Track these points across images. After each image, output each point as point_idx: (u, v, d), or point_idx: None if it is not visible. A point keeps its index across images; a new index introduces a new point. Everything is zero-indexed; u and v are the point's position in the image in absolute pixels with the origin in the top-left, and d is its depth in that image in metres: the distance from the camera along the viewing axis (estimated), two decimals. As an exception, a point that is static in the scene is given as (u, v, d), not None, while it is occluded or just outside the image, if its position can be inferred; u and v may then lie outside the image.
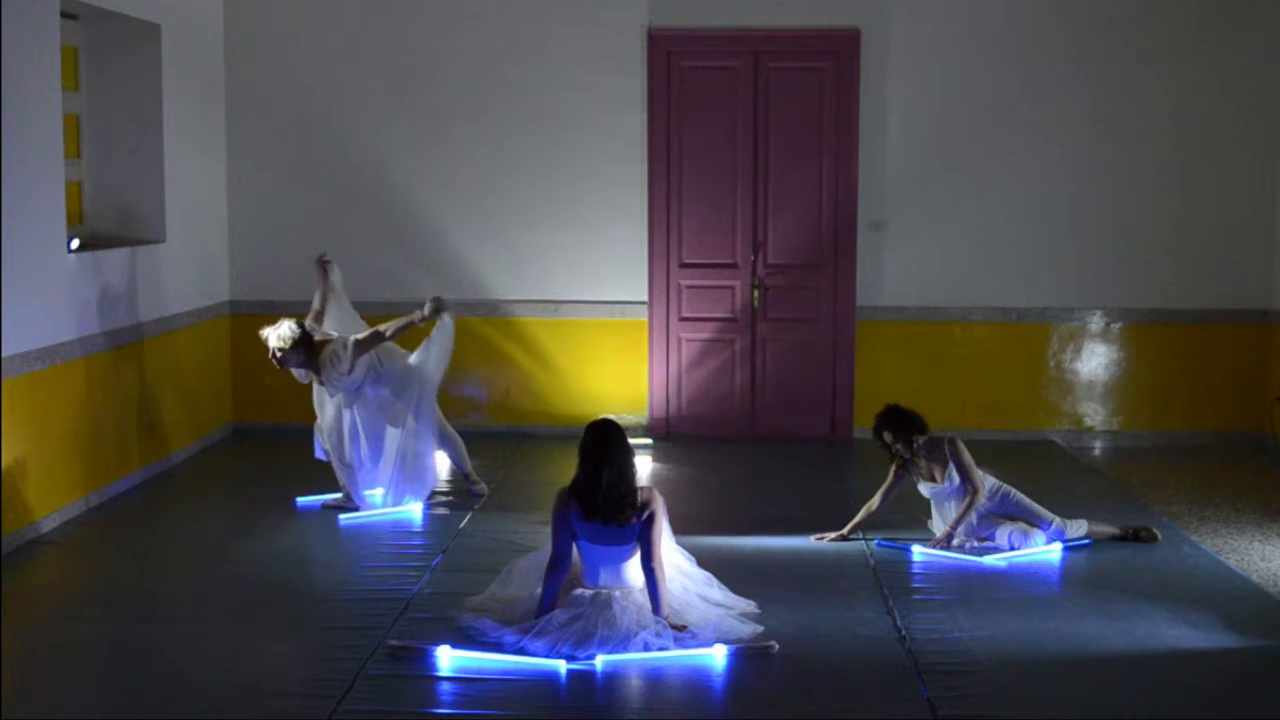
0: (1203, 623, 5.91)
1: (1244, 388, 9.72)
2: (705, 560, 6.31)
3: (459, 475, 8.20)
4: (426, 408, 7.72)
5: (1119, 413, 9.83)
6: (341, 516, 7.54)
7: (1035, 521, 7.02)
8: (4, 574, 6.51)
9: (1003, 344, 9.81)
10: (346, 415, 7.62)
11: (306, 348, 7.46)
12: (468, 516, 7.62)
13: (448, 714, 5.00)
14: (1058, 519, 7.04)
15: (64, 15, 7.81)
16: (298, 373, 7.69)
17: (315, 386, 7.73)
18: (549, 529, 5.82)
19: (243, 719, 4.97)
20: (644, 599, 5.70)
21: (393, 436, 7.71)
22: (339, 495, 7.75)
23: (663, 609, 5.65)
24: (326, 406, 7.70)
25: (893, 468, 7.17)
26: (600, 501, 5.63)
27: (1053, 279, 9.75)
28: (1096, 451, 9.63)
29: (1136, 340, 9.79)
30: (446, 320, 7.77)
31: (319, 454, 7.86)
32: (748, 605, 6.02)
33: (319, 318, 7.75)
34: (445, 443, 7.99)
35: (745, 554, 6.93)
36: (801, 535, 7.23)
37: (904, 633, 5.78)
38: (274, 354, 7.41)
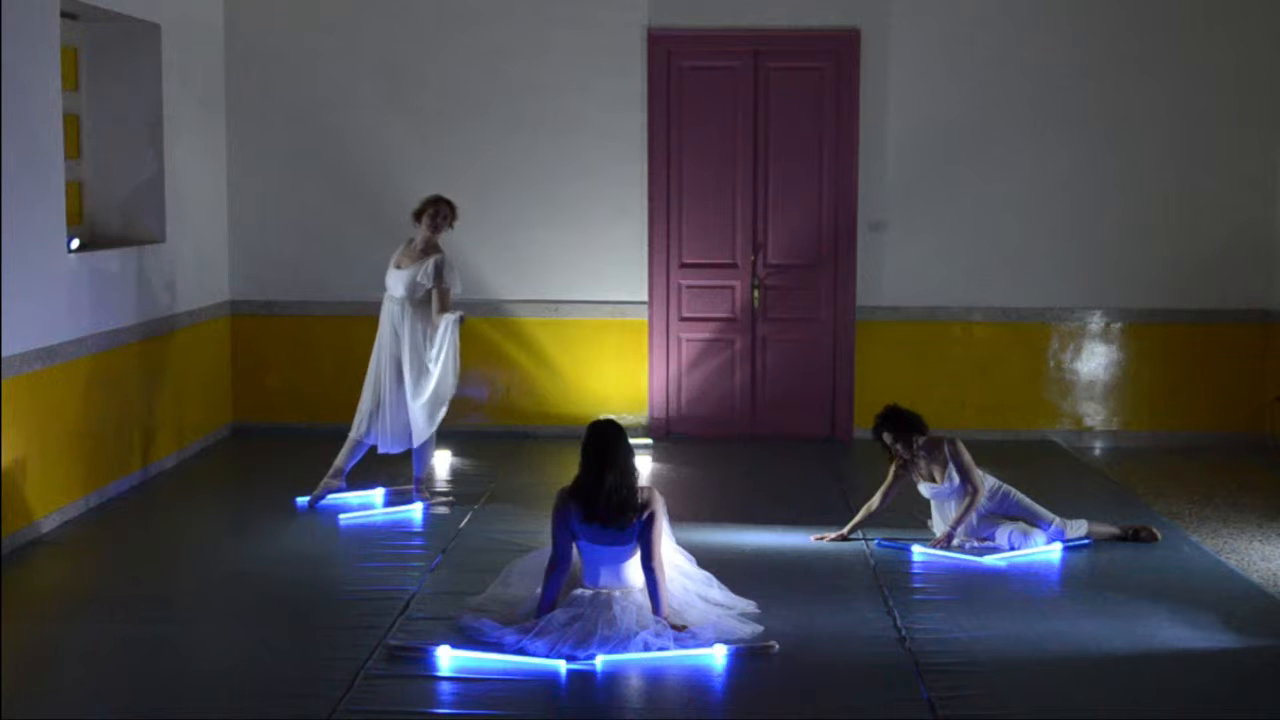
0: (1203, 623, 5.91)
1: (1244, 388, 9.72)
2: (705, 560, 6.31)
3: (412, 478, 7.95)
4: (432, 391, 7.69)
5: (1119, 413, 9.83)
6: (341, 516, 7.54)
7: (1035, 521, 7.02)
8: (4, 574, 6.51)
9: (1003, 344, 9.81)
10: (395, 336, 7.65)
11: (447, 223, 7.79)
12: (468, 516, 7.62)
13: (448, 714, 5.00)
14: (1058, 519, 7.04)
15: (64, 15, 7.81)
16: (397, 252, 7.77)
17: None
18: (549, 529, 5.82)
19: (243, 719, 4.97)
20: (644, 599, 5.70)
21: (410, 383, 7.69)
22: (316, 491, 7.75)
23: (663, 609, 5.65)
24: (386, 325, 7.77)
25: (892, 468, 7.17)
26: (603, 506, 5.63)
27: (1053, 279, 9.75)
28: (1096, 451, 9.63)
29: (1136, 340, 9.78)
30: (449, 318, 7.69)
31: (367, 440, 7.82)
32: (748, 605, 6.02)
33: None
34: (423, 443, 7.81)
35: (745, 554, 6.93)
36: (801, 535, 7.24)
37: (904, 633, 5.77)
38: (438, 199, 7.78)
